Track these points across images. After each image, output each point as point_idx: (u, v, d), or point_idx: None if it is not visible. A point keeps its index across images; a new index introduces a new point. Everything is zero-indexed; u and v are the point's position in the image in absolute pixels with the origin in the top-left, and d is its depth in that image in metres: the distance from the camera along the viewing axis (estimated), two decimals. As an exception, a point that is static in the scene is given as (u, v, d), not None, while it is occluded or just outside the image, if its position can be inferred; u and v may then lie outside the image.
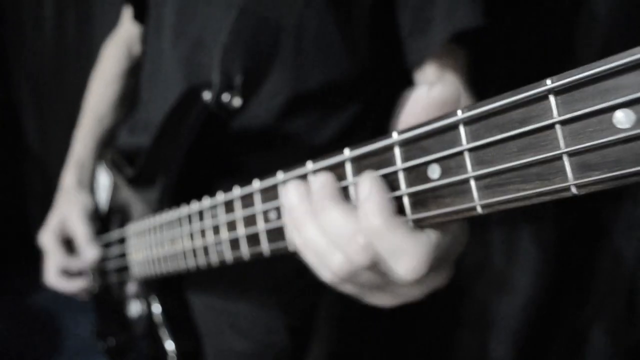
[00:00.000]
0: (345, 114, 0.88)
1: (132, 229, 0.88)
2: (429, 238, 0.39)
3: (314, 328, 1.04)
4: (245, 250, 0.56)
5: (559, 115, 0.30)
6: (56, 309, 2.32)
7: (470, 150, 0.34)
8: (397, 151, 0.39)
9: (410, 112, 0.40)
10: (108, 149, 1.09)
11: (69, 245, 1.00)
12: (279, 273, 0.91)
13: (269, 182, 0.52)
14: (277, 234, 0.51)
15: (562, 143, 0.30)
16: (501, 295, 1.23)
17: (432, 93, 0.39)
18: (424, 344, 1.40)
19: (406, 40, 0.80)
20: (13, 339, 2.24)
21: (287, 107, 0.84)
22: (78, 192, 1.02)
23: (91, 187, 1.06)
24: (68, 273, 0.99)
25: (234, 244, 0.58)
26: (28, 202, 2.42)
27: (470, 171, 0.34)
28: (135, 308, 0.93)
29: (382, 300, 0.47)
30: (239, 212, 0.56)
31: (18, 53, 2.44)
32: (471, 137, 0.34)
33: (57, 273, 0.97)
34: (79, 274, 1.00)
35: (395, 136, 0.39)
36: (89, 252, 0.94)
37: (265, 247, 0.53)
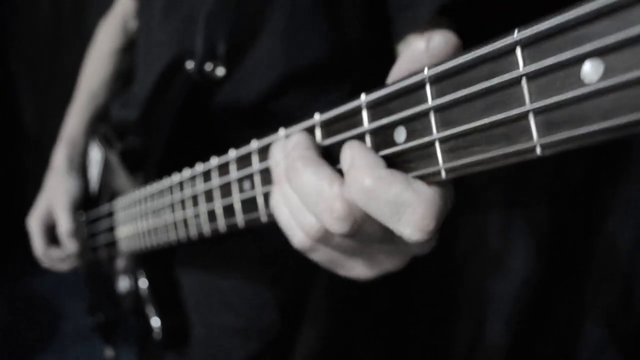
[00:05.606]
0: (334, 94, 0.86)
1: (120, 203, 0.87)
2: (432, 189, 0.34)
3: (307, 307, 1.03)
4: (221, 222, 0.55)
5: (525, 68, 0.28)
6: (55, 294, 2.34)
7: (436, 110, 0.32)
8: (364, 114, 0.38)
9: (406, 70, 0.36)
10: (101, 123, 1.08)
11: (54, 230, 1.04)
12: (270, 246, 0.90)
13: (243, 150, 0.51)
14: (250, 204, 0.50)
15: (527, 99, 0.28)
16: (496, 277, 1.21)
17: (433, 43, 0.34)
18: (420, 327, 1.39)
19: (394, 16, 0.77)
20: (11, 324, 2.26)
21: (279, 85, 0.82)
22: (67, 175, 1.04)
23: (82, 165, 1.06)
24: (51, 257, 1.04)
25: (211, 215, 0.57)
26: (26, 185, 2.43)
27: (435, 133, 0.32)
28: (123, 284, 0.93)
29: (357, 270, 0.45)
30: (216, 181, 0.55)
31: (14, 34, 2.43)
32: (437, 96, 0.32)
33: (41, 257, 1.04)
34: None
35: (363, 98, 0.37)
36: (68, 246, 1.00)
37: (240, 218, 0.52)
